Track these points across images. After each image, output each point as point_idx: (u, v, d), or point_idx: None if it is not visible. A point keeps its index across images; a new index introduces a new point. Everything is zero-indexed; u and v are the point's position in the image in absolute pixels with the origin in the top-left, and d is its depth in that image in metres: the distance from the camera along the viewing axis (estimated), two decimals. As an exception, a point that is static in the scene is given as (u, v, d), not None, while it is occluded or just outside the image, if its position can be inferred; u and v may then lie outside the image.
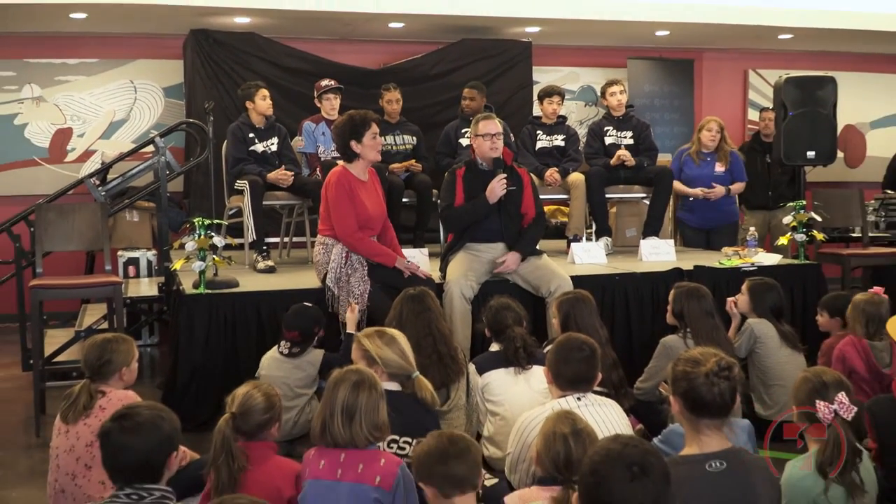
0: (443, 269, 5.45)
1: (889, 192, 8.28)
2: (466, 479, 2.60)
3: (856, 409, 3.01)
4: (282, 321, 4.73)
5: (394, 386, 3.57)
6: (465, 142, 7.12)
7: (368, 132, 5.11)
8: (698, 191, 7.21)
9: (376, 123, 5.20)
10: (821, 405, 2.97)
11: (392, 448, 3.28)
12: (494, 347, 4.39)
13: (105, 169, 7.42)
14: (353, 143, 5.13)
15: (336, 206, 5.06)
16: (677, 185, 7.25)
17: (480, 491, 3.45)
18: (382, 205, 5.33)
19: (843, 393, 3.01)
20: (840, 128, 8.31)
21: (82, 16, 7.88)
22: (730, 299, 5.14)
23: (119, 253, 7.17)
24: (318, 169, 6.69)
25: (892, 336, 3.92)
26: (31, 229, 5.96)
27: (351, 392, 2.96)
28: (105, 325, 6.06)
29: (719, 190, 7.15)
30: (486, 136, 5.38)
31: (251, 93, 6.65)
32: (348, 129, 5.15)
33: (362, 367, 3.21)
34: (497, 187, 5.27)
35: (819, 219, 6.56)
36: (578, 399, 3.37)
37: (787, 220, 6.42)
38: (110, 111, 8.92)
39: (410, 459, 2.95)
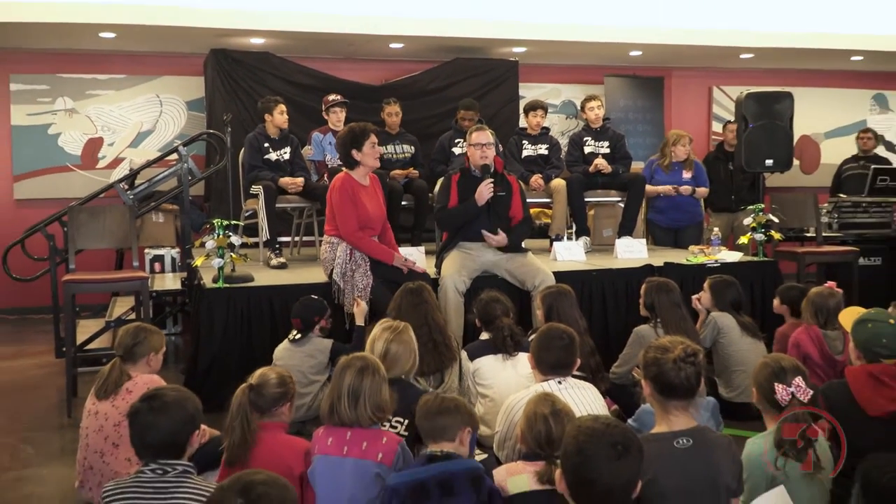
0: (438, 266, 5.45)
1: (841, 195, 8.29)
2: (445, 430, 2.77)
3: (811, 392, 3.02)
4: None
5: None
6: (457, 151, 7.13)
7: (367, 142, 5.12)
8: (668, 187, 7.31)
9: (375, 134, 5.19)
10: (779, 388, 2.97)
11: (385, 426, 3.28)
12: (484, 336, 4.40)
13: (133, 175, 7.41)
14: (353, 152, 5.13)
15: (339, 209, 5.07)
16: (649, 187, 7.30)
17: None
18: (382, 207, 5.32)
19: (800, 377, 3.01)
20: (796, 138, 8.31)
21: (111, 35, 7.86)
22: (694, 297, 5.15)
23: (146, 250, 7.16)
24: (325, 175, 6.70)
25: (845, 327, 3.92)
26: (65, 229, 5.95)
27: (356, 377, 2.96)
28: (133, 316, 6.05)
29: (686, 188, 7.24)
30: (477, 146, 5.39)
31: (270, 107, 6.64)
32: (349, 139, 5.15)
33: (367, 355, 3.21)
34: (484, 191, 5.27)
35: (776, 220, 6.56)
36: (559, 382, 3.39)
37: (748, 221, 6.43)
38: (138, 122, 8.91)
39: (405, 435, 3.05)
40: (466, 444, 2.81)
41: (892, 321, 3.46)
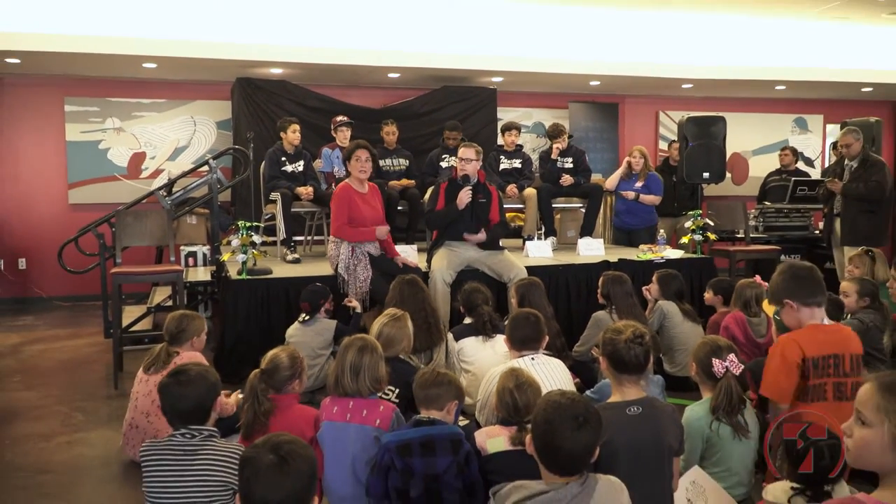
0: (428, 261, 5.43)
1: (766, 203, 8.31)
2: (435, 399, 2.74)
3: (743, 366, 3.01)
4: (301, 298, 4.75)
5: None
6: (444, 164, 7.12)
7: (353, 157, 5.17)
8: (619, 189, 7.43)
9: (364, 151, 5.17)
10: (716, 363, 2.98)
11: (382, 395, 3.26)
12: (467, 321, 4.37)
13: (171, 183, 7.35)
14: (347, 164, 5.23)
15: (333, 208, 5.13)
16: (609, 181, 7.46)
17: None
18: (379, 212, 5.27)
19: (732, 354, 3.03)
20: (728, 155, 8.33)
21: (153, 65, 7.80)
22: (644, 288, 5.13)
23: (181, 248, 7.09)
24: (333, 184, 6.65)
25: (767, 313, 3.93)
26: (113, 229, 5.90)
27: (357, 354, 2.94)
28: (170, 303, 6.01)
29: (630, 194, 7.23)
30: (461, 160, 5.39)
31: (285, 126, 6.62)
32: (346, 154, 5.30)
33: (367, 336, 3.18)
34: (464, 196, 5.28)
35: (712, 224, 6.59)
36: (532, 359, 3.36)
37: (688, 224, 6.45)
38: (175, 139, 8.84)
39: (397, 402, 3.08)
40: (452, 414, 2.79)
41: None
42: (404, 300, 4.28)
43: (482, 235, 5.34)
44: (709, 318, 4.99)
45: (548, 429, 2.05)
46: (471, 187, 5.31)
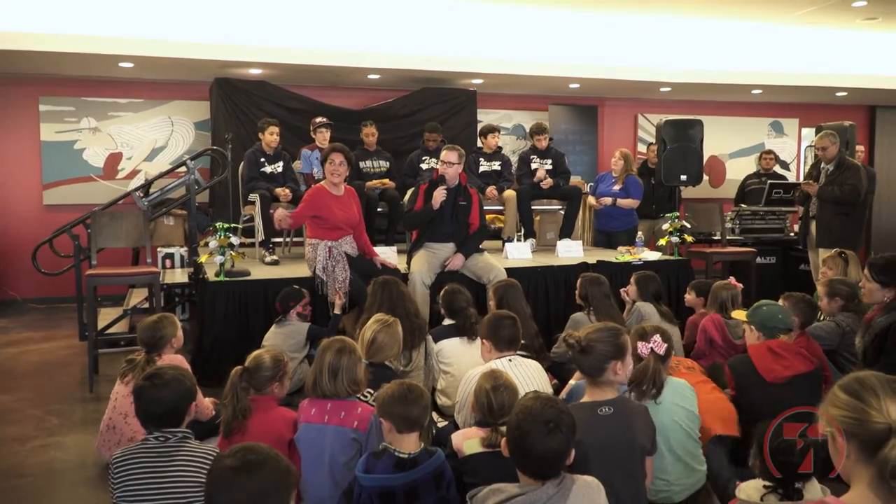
0: (408, 262, 5.43)
1: (743, 205, 8.40)
2: (416, 421, 2.53)
3: (666, 345, 3.06)
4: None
5: None
6: (424, 166, 7.12)
7: (328, 161, 5.17)
8: (592, 199, 7.48)
9: (339, 155, 5.16)
10: (640, 345, 3.03)
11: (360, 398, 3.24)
12: (447, 322, 4.36)
13: (148, 184, 7.30)
14: (324, 167, 5.24)
15: (300, 203, 5.18)
16: (590, 201, 7.45)
17: (434, 431, 3.46)
18: (355, 214, 5.24)
19: (658, 335, 3.06)
20: (706, 158, 8.39)
21: (130, 65, 7.74)
22: (622, 290, 5.16)
23: (158, 249, 7.05)
24: (312, 186, 6.63)
25: (740, 318, 3.96)
26: (88, 230, 5.84)
27: (335, 355, 2.94)
28: (146, 305, 5.96)
29: (605, 199, 7.28)
30: (442, 162, 5.42)
31: (263, 127, 6.60)
32: (321, 157, 5.35)
33: (345, 338, 3.17)
34: (438, 196, 5.31)
35: (689, 226, 6.63)
36: (510, 360, 3.37)
37: (666, 226, 6.49)
38: (152, 140, 8.78)
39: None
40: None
41: (781, 302, 3.55)
42: (383, 302, 4.26)
43: (459, 262, 5.36)
44: (687, 319, 5.03)
45: (519, 434, 2.07)
46: (446, 187, 5.33)
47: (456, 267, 5.35)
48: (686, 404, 3.03)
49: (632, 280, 5.11)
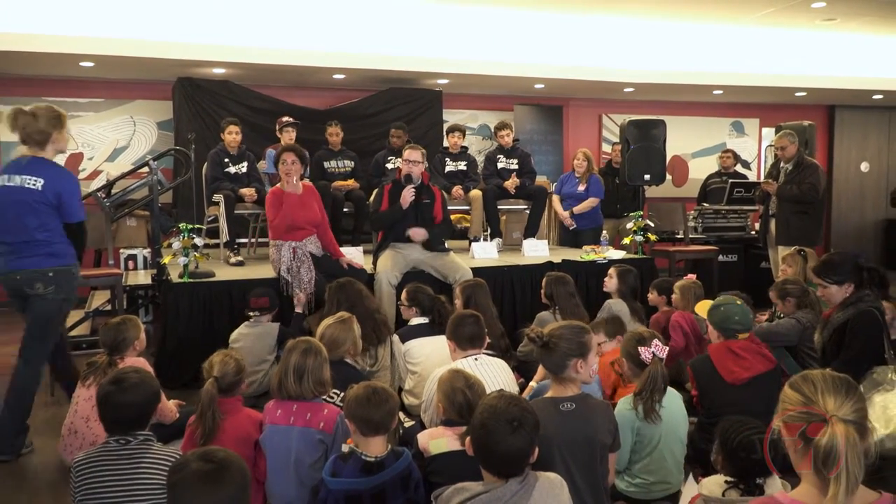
0: (374, 263, 5.44)
1: (705, 204, 8.53)
2: (380, 424, 2.51)
3: (667, 349, 3.07)
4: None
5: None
6: (390, 166, 7.12)
7: (280, 161, 5.20)
8: (557, 202, 7.61)
9: (290, 154, 5.18)
10: (642, 350, 3.03)
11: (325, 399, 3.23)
12: (413, 321, 4.36)
13: (110, 185, 7.18)
14: (278, 169, 5.30)
15: (268, 215, 5.18)
16: (555, 202, 7.54)
17: (401, 431, 3.47)
18: (315, 213, 5.22)
19: (656, 339, 3.07)
20: (668, 157, 8.49)
21: (90, 64, 7.63)
22: (606, 279, 5.09)
23: (121, 250, 6.95)
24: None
25: (701, 314, 3.99)
26: (49, 232, 5.71)
27: (301, 356, 2.93)
28: (109, 308, 5.88)
29: (568, 220, 7.40)
30: (406, 161, 5.42)
31: (224, 127, 6.57)
32: (274, 160, 5.39)
33: (310, 338, 3.17)
34: (406, 195, 5.33)
35: (652, 225, 6.71)
36: (475, 360, 3.39)
37: (630, 225, 6.57)
38: (114, 140, 8.66)
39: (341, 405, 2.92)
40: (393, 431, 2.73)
41: (739, 302, 3.58)
42: (341, 303, 4.23)
43: (422, 232, 5.37)
44: (650, 318, 5.08)
45: (483, 432, 2.09)
46: (414, 186, 5.35)
47: (417, 237, 5.38)
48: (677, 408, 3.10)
49: (611, 272, 5.07)
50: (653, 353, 3.01)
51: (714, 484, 2.49)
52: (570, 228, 7.39)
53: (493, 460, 2.09)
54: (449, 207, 5.97)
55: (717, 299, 3.69)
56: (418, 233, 5.38)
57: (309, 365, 2.91)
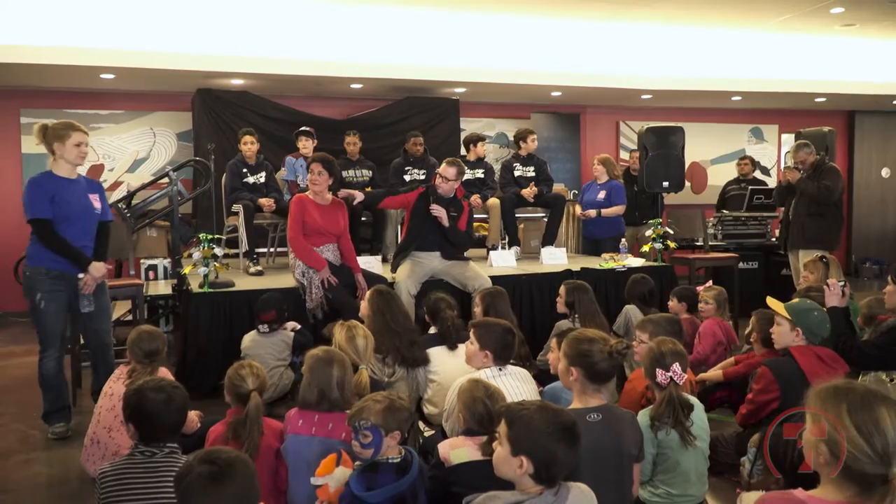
0: (393, 269, 5.44)
1: (724, 211, 8.46)
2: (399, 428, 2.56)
3: (685, 376, 3.01)
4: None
5: None
6: (408, 177, 7.15)
7: (310, 171, 5.15)
8: (578, 209, 7.55)
9: (317, 165, 5.10)
10: (658, 373, 2.97)
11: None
12: (432, 330, 4.35)
13: (130, 196, 7.26)
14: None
15: (289, 217, 5.11)
16: (577, 212, 7.56)
17: (420, 440, 3.45)
18: (339, 224, 5.19)
19: (677, 363, 2.99)
20: (687, 164, 8.45)
21: (111, 76, 7.72)
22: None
23: (141, 261, 7.01)
24: (295, 193, 6.63)
25: (773, 307, 3.76)
26: (71, 243, 5.76)
27: (340, 370, 2.93)
28: (130, 318, 5.92)
29: (590, 212, 7.31)
30: (440, 176, 5.43)
31: (239, 137, 6.63)
32: (308, 166, 5.30)
33: (335, 350, 3.15)
34: (444, 215, 5.34)
35: (672, 232, 6.67)
36: (500, 370, 3.34)
37: (649, 233, 6.53)
38: (134, 151, 8.75)
39: None
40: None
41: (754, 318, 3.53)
42: (385, 313, 4.15)
43: (443, 212, 5.35)
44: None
45: (547, 441, 2.02)
46: (454, 213, 5.38)
47: (438, 212, 5.35)
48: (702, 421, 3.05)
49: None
50: (669, 377, 2.96)
51: (754, 499, 2.44)
52: (592, 218, 7.34)
53: (550, 469, 2.03)
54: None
55: (808, 303, 3.55)
56: (439, 211, 5.36)
57: (348, 378, 2.92)
